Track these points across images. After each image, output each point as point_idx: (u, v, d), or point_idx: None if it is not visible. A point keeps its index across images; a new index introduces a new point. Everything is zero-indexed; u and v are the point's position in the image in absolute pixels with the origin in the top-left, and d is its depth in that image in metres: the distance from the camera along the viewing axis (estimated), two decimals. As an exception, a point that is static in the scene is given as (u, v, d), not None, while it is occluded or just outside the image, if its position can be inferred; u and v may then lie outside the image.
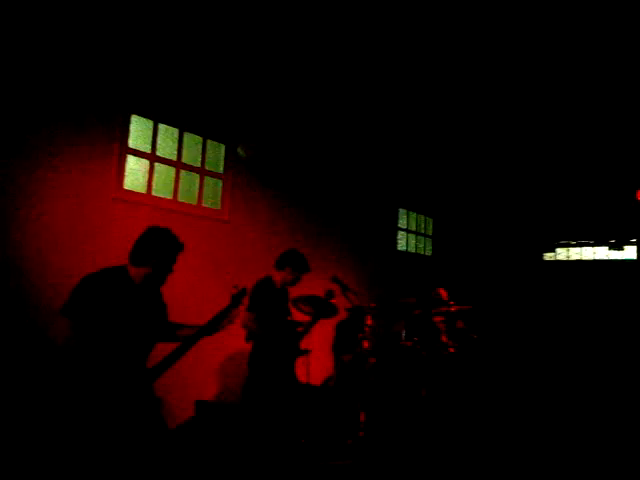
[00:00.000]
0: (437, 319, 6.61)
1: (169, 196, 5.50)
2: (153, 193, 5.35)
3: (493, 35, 6.03)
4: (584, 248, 10.29)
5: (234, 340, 4.66)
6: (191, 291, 5.27)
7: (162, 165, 5.49)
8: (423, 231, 9.35)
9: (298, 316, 5.14)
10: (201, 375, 5.43)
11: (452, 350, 6.39)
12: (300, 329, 4.75)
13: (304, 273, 4.78)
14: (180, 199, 5.59)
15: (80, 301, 2.84)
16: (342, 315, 5.84)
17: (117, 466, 2.73)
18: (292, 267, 4.68)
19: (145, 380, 2.96)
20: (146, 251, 3.00)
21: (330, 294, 4.84)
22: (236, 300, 3.23)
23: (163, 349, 3.03)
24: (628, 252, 9.82)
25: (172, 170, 5.58)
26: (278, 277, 4.73)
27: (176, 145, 5.60)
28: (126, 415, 2.81)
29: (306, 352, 4.77)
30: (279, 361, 4.52)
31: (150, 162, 5.36)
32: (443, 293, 6.84)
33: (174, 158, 5.58)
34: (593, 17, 5.56)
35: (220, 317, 3.18)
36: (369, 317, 5.68)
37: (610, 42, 6.00)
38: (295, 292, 5.11)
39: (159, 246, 3.00)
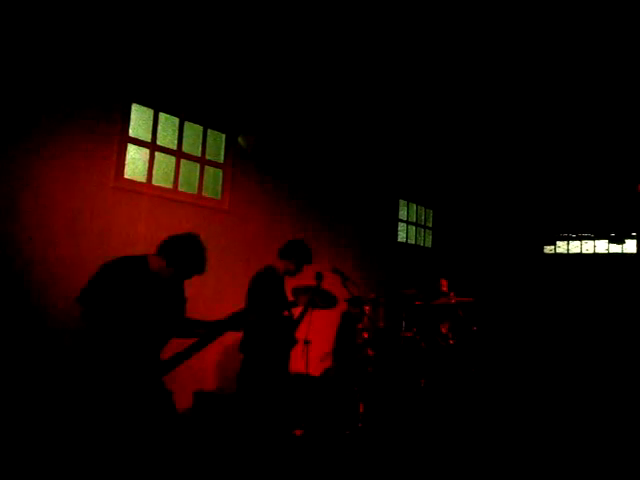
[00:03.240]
0: (437, 310, 6.63)
1: (169, 185, 5.49)
2: (153, 182, 5.34)
3: (493, 30, 5.99)
4: (584, 241, 10.29)
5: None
6: (190, 281, 5.25)
7: (162, 154, 5.47)
8: (423, 223, 9.34)
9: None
10: (200, 366, 5.42)
11: (452, 342, 6.40)
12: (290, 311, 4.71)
13: (307, 265, 4.71)
14: (180, 188, 5.58)
15: (98, 288, 2.81)
16: (343, 306, 5.83)
17: (127, 457, 2.74)
18: (297, 258, 4.54)
19: (158, 372, 2.97)
20: (177, 256, 3.05)
21: (319, 277, 4.73)
22: (239, 318, 3.30)
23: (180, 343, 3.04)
24: (628, 246, 9.82)
25: (172, 159, 5.56)
26: (280, 266, 4.57)
27: (176, 134, 5.59)
28: (138, 406, 2.81)
29: (298, 342, 4.75)
30: (273, 350, 4.46)
31: (150, 151, 5.34)
32: (444, 284, 6.85)
33: (174, 147, 5.56)
34: (592, 14, 5.54)
35: (226, 324, 3.25)
36: (368, 308, 5.69)
37: (608, 39, 5.97)
38: (294, 282, 5.09)
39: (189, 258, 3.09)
